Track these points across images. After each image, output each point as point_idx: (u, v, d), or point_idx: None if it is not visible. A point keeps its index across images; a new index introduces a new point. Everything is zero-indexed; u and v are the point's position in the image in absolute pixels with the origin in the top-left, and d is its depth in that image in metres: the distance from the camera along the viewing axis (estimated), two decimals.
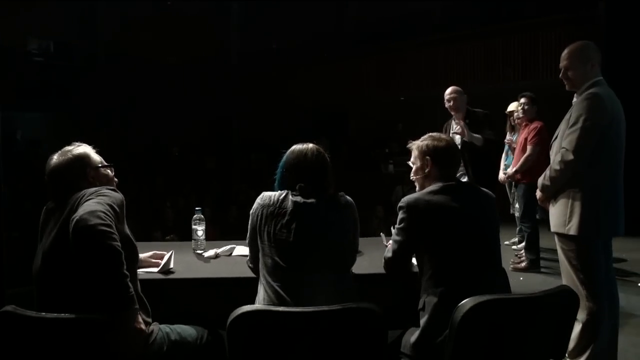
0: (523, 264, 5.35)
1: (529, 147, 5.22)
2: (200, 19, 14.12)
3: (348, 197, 2.15)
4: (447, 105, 4.67)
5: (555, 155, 2.86)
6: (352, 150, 12.49)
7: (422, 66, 10.78)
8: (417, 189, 2.35)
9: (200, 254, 2.72)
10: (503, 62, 9.43)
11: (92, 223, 1.63)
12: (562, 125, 2.89)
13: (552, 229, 2.95)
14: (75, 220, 1.65)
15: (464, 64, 10.07)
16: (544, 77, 8.86)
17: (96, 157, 2.12)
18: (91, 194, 1.83)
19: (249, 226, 2.12)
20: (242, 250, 2.70)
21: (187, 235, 7.44)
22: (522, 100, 5.43)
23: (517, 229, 5.84)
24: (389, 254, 2.26)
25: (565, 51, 2.91)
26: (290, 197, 2.04)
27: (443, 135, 2.37)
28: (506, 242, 6.47)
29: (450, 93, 4.66)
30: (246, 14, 14.82)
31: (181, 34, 13.53)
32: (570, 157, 2.73)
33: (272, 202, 2.05)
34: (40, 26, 12.27)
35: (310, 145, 2.18)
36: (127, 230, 1.90)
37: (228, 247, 2.76)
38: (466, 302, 1.73)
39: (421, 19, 11.37)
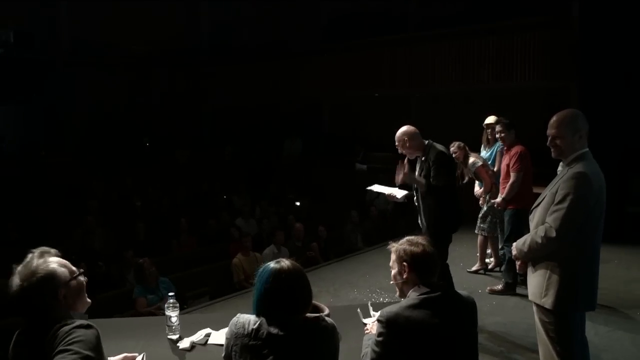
0: (499, 287, 5.37)
1: (512, 174, 5.17)
2: (170, 7, 13.66)
3: (328, 321, 2.05)
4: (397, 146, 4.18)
5: (538, 227, 2.83)
6: (327, 146, 12.38)
7: (397, 64, 10.65)
8: (397, 293, 2.30)
9: (175, 342, 2.62)
10: (479, 64, 9.36)
11: None
12: (547, 197, 2.84)
13: (530, 297, 2.96)
14: None
15: (439, 64, 9.98)
16: (519, 79, 8.86)
17: (63, 270, 1.89)
18: (62, 339, 1.68)
19: (223, 348, 2.04)
20: (217, 338, 2.62)
21: (158, 252, 7.23)
22: (497, 128, 5.34)
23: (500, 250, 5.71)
24: None
25: (554, 119, 2.84)
26: (265, 326, 1.95)
27: (420, 240, 2.27)
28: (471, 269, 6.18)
29: (399, 139, 4.13)
30: (218, 6, 14.40)
31: (149, 22, 13.09)
32: (553, 234, 2.71)
33: (246, 332, 1.95)
34: None
35: (286, 265, 2.03)
36: None
37: (203, 333, 2.66)
38: None
39: (397, 17, 11.21)
